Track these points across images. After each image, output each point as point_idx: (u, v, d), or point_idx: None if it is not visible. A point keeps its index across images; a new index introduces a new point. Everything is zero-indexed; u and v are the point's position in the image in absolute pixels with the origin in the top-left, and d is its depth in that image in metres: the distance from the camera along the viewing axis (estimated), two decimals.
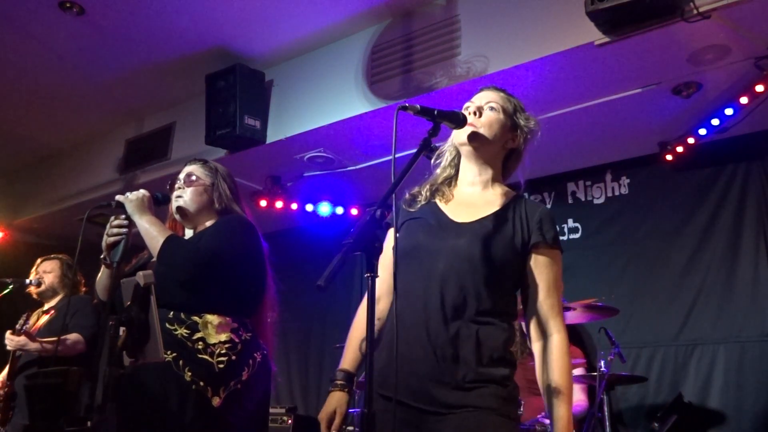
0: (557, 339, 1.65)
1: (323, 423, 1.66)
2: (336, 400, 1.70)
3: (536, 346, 1.68)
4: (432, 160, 1.90)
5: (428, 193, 1.84)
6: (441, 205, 1.81)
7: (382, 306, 1.78)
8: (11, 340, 3.43)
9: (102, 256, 2.20)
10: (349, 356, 1.77)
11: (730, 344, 3.90)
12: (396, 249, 1.74)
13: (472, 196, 1.80)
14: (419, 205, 1.82)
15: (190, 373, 2.06)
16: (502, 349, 1.64)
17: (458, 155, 1.87)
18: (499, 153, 1.83)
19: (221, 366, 2.10)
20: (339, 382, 1.73)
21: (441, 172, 1.88)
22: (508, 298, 1.71)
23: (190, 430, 2.03)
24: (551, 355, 1.64)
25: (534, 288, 1.70)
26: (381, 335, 1.75)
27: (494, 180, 1.82)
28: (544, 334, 1.67)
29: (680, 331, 4.08)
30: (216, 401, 2.06)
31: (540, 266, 1.70)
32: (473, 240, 1.68)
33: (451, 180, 1.87)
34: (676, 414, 3.65)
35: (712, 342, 3.96)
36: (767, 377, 3.72)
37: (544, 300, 1.68)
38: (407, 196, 1.86)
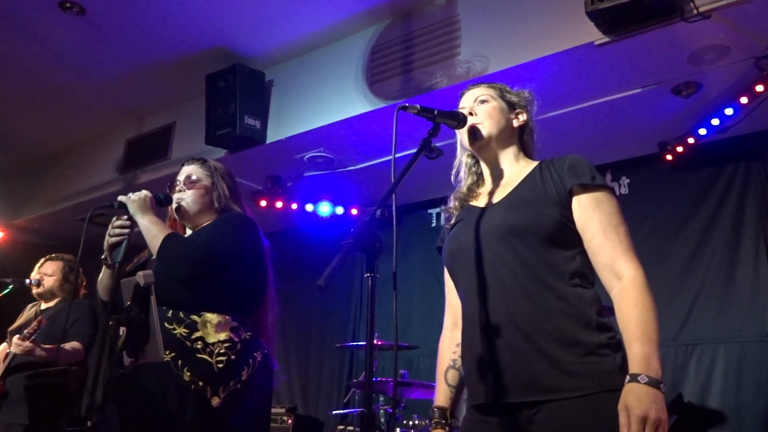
0: (628, 278, 1.48)
1: None
2: None
3: (613, 295, 1.51)
4: (452, 179, 1.89)
5: (458, 203, 1.82)
6: (473, 203, 1.79)
7: (459, 332, 1.72)
8: (18, 345, 3.44)
9: (103, 257, 2.20)
10: (440, 391, 1.75)
11: (730, 344, 3.90)
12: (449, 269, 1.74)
13: (498, 182, 1.76)
14: (455, 217, 1.80)
15: (188, 373, 2.05)
16: (587, 313, 1.50)
17: (475, 160, 1.85)
18: (511, 136, 1.79)
19: (220, 366, 2.09)
20: (435, 421, 1.72)
21: (464, 183, 1.86)
22: (574, 258, 1.57)
23: (189, 431, 2.03)
24: (625, 297, 1.47)
25: (589, 235, 1.56)
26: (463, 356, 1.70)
27: (516, 159, 1.78)
28: (616, 278, 1.51)
29: (680, 331, 4.08)
30: (215, 401, 2.05)
31: (586, 210, 1.57)
32: (507, 212, 1.63)
33: (478, 182, 1.85)
34: (676, 414, 3.65)
35: (712, 342, 3.96)
36: (767, 377, 3.72)
37: (604, 243, 1.53)
38: (443, 216, 1.85)
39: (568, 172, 1.62)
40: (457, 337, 1.72)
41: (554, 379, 1.46)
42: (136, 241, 2.17)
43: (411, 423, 3.76)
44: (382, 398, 4.13)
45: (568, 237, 1.58)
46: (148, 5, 3.93)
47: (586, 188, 1.59)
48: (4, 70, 4.59)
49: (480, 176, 1.85)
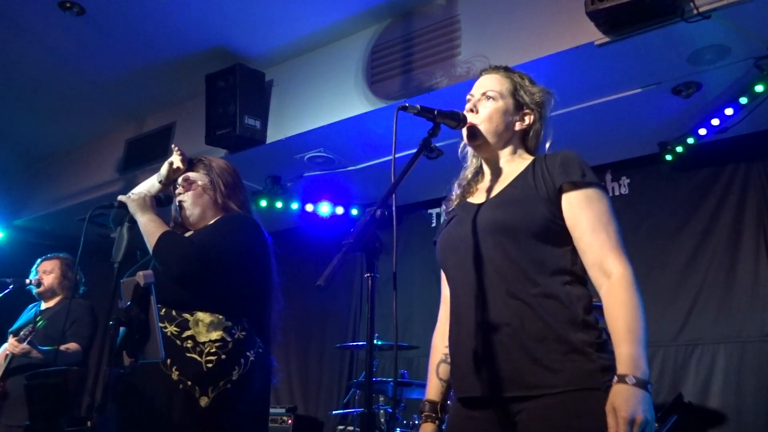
0: (617, 276, 1.48)
1: None
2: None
3: (602, 293, 1.51)
4: (459, 152, 1.89)
5: (460, 192, 1.82)
6: (469, 199, 1.79)
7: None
8: (15, 347, 3.44)
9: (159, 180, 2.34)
10: (432, 385, 1.75)
11: (730, 344, 3.90)
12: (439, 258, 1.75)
13: (494, 179, 1.76)
14: (452, 207, 1.81)
15: (177, 373, 2.05)
16: (573, 311, 1.50)
17: None
18: (511, 138, 1.77)
19: (209, 365, 2.07)
20: (426, 414, 1.72)
21: (469, 165, 1.87)
22: (564, 256, 1.57)
23: (177, 431, 2.02)
24: (613, 295, 1.47)
25: (579, 232, 1.55)
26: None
27: (513, 157, 1.76)
28: (604, 276, 1.50)
29: (680, 331, 4.08)
30: (204, 401, 2.04)
31: (575, 207, 1.56)
32: (497, 208, 1.63)
33: (479, 172, 1.84)
34: (676, 414, 3.64)
35: (712, 342, 3.96)
36: (767, 377, 3.73)
37: (593, 240, 1.52)
38: (443, 206, 1.85)
39: (559, 169, 1.61)
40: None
41: (535, 376, 1.46)
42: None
43: (411, 423, 3.76)
44: (382, 398, 4.13)
45: (557, 234, 1.57)
46: (148, 5, 3.92)
47: (576, 186, 1.58)
48: (4, 70, 4.59)
49: (481, 167, 1.85)
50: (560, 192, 1.59)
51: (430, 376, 1.77)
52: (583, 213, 1.56)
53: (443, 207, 1.85)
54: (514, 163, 1.76)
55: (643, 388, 1.35)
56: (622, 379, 1.37)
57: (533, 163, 1.70)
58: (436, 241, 1.83)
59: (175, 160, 2.41)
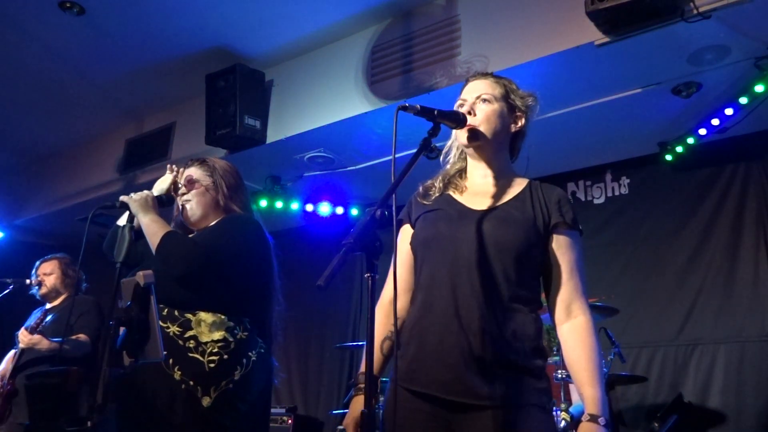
0: (583, 320, 1.63)
1: (349, 429, 1.64)
2: (360, 404, 1.68)
3: (562, 329, 1.65)
4: (441, 158, 1.88)
5: (441, 185, 1.82)
6: (456, 196, 1.79)
7: (401, 304, 1.77)
8: (25, 337, 3.44)
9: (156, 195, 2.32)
10: (373, 359, 1.76)
11: (730, 344, 3.90)
12: (415, 241, 1.76)
13: (486, 186, 1.78)
14: (433, 198, 1.80)
15: (179, 373, 2.05)
16: (535, 340, 1.62)
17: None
18: (505, 140, 1.81)
19: (212, 365, 2.07)
20: (361, 386, 1.71)
21: (452, 166, 1.87)
22: (534, 284, 1.69)
23: (179, 431, 2.02)
24: (578, 337, 1.62)
25: (557, 270, 1.68)
26: (403, 331, 1.74)
27: (505, 167, 1.81)
28: (569, 317, 1.64)
29: (680, 331, 4.08)
30: (206, 401, 2.04)
31: (562, 247, 1.69)
32: (497, 224, 1.66)
33: (463, 171, 1.85)
34: (676, 414, 3.65)
35: (712, 342, 3.97)
36: (767, 377, 3.73)
37: (567, 281, 1.66)
38: (420, 189, 1.84)
39: (555, 206, 1.71)
40: (398, 310, 1.75)
41: (492, 389, 1.54)
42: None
43: None
44: (382, 398, 4.12)
45: (535, 263, 1.69)
46: (148, 5, 3.93)
47: (568, 227, 1.70)
48: (4, 70, 4.59)
49: (465, 169, 1.85)
50: (553, 228, 1.70)
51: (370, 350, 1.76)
52: (566, 254, 1.69)
53: (420, 188, 1.84)
54: (507, 177, 1.80)
55: (609, 429, 1.53)
56: (594, 419, 1.53)
57: (529, 187, 1.77)
58: (401, 219, 1.84)
59: (175, 175, 2.44)
